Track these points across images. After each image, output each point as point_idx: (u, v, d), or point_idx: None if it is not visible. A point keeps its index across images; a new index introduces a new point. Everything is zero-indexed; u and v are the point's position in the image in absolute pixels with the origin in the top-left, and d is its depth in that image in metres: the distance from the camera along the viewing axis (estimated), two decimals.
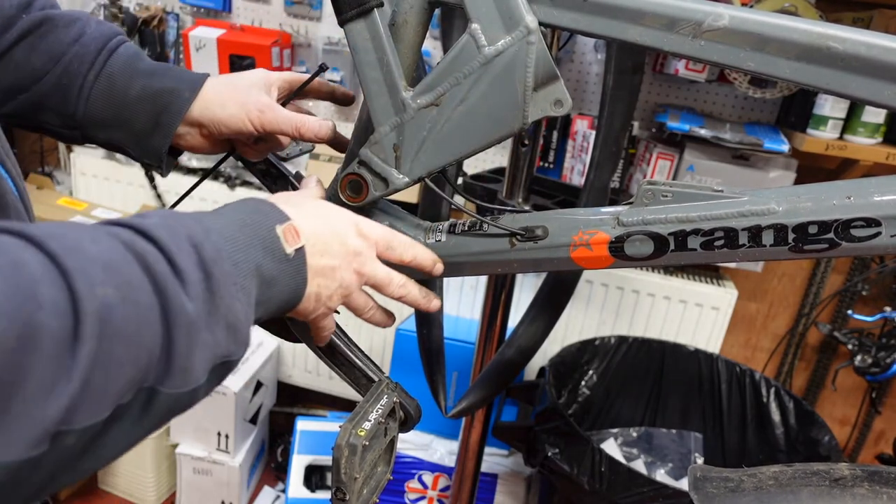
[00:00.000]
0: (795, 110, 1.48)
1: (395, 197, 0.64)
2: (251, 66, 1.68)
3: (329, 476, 1.81)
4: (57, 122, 0.62)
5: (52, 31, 0.60)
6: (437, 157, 0.60)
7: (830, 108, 1.38)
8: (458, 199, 1.38)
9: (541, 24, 0.54)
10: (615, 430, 1.67)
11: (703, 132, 1.43)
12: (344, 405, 2.07)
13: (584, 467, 1.19)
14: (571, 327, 1.74)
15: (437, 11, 0.64)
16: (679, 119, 1.47)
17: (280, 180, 0.71)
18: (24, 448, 0.28)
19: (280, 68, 1.71)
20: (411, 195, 1.62)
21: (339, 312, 0.58)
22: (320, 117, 0.65)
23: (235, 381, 1.74)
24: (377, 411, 0.58)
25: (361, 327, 1.86)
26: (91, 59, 0.61)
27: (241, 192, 1.81)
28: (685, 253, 0.55)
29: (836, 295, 1.72)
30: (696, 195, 0.55)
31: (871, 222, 0.49)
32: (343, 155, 0.70)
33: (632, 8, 0.52)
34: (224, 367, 0.41)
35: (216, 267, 0.39)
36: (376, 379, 0.64)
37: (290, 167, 0.73)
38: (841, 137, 1.40)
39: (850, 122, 1.39)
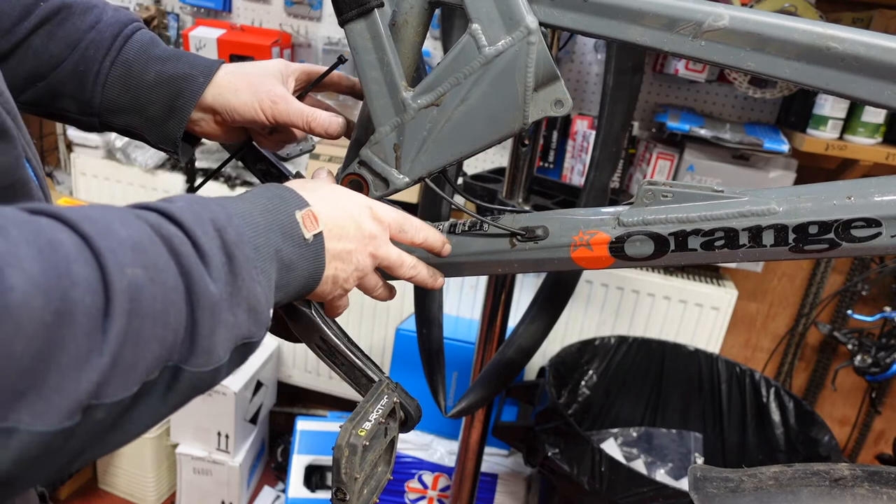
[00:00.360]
0: (795, 110, 1.48)
1: (395, 197, 0.64)
2: None
3: (329, 476, 1.81)
4: (74, 109, 0.62)
5: (69, 17, 0.61)
6: (438, 157, 0.60)
7: (830, 108, 1.38)
8: (459, 199, 1.38)
9: (541, 24, 0.54)
10: (615, 430, 1.67)
11: (703, 132, 1.43)
12: (344, 405, 2.07)
13: (584, 467, 1.19)
14: (571, 327, 1.74)
15: (437, 11, 0.64)
16: (679, 119, 1.47)
17: (280, 180, 0.71)
18: (59, 418, 0.29)
19: None
20: (411, 195, 1.62)
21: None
22: (332, 113, 0.66)
23: (235, 381, 1.74)
24: (377, 411, 0.58)
25: (361, 327, 1.87)
26: (107, 45, 0.61)
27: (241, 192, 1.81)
28: (685, 253, 0.55)
29: (836, 295, 1.72)
30: (696, 195, 0.55)
31: (871, 222, 0.49)
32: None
33: (632, 8, 0.52)
34: (245, 348, 0.42)
35: (238, 250, 0.41)
36: (376, 379, 0.64)
37: (291, 167, 0.73)
38: (841, 137, 1.40)
39: (850, 122, 1.39)
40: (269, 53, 1.65)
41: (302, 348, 2.00)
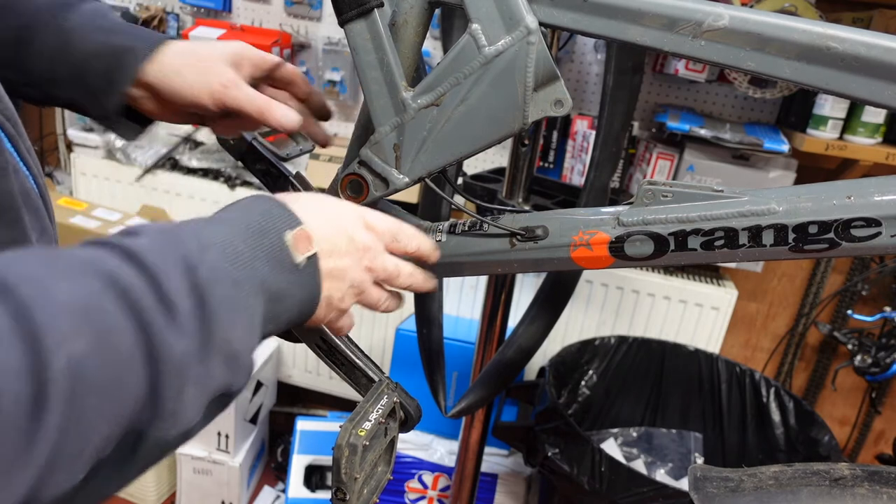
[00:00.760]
0: (795, 110, 1.48)
1: (395, 197, 0.64)
2: None
3: (329, 476, 1.81)
4: (20, 80, 0.59)
5: None
6: (438, 157, 0.60)
7: (830, 108, 1.38)
8: (458, 199, 1.38)
9: (541, 24, 0.54)
10: (615, 430, 1.67)
11: (703, 132, 1.43)
12: (344, 405, 2.07)
13: (584, 467, 1.19)
14: (571, 327, 1.74)
15: (437, 11, 0.64)
16: (679, 119, 1.47)
17: (280, 180, 0.71)
18: None
19: None
20: (411, 195, 1.62)
21: None
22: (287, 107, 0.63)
23: None
24: (377, 411, 0.58)
25: (361, 327, 1.87)
26: (49, 13, 0.58)
27: (241, 192, 1.81)
28: (685, 253, 0.55)
29: (836, 295, 1.72)
30: (696, 195, 0.55)
31: (871, 222, 0.49)
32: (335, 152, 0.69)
33: (632, 8, 0.52)
34: (223, 399, 0.39)
35: (213, 291, 0.36)
36: (376, 379, 0.64)
37: (290, 167, 0.73)
38: (841, 137, 1.40)
39: (850, 122, 1.39)
40: (269, 53, 1.65)
41: (302, 348, 1.99)
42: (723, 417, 1.60)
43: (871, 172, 1.42)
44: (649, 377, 1.65)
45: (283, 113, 0.61)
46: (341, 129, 1.84)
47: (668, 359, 1.63)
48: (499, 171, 1.40)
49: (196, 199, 1.85)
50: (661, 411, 1.67)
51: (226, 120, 0.65)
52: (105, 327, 0.30)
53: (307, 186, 0.68)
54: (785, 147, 1.41)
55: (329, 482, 1.79)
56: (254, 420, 1.88)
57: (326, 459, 1.78)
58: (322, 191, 0.68)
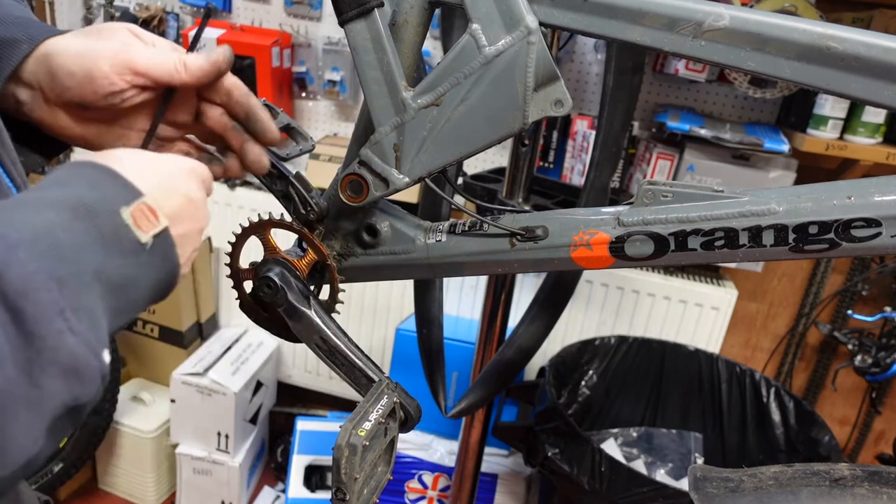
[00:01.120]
0: (795, 110, 1.48)
1: (395, 197, 0.64)
2: (251, 66, 1.68)
3: (329, 476, 1.81)
4: None
5: None
6: (438, 157, 0.60)
7: (830, 108, 1.38)
8: (458, 199, 1.38)
9: (541, 24, 0.54)
10: (615, 430, 1.67)
11: (703, 132, 1.43)
12: (344, 405, 2.07)
13: (584, 467, 1.19)
14: (571, 327, 1.74)
15: (437, 11, 0.64)
16: (679, 119, 1.47)
17: (280, 180, 0.71)
18: None
19: (280, 68, 1.71)
20: (411, 195, 1.62)
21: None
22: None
23: (235, 381, 1.74)
24: (377, 411, 0.58)
25: (361, 327, 1.87)
26: None
27: (241, 193, 1.81)
28: (685, 253, 0.55)
29: (836, 295, 1.72)
30: (696, 195, 0.55)
31: (871, 222, 0.49)
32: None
33: (632, 8, 0.52)
34: (73, 415, 0.33)
35: (29, 299, 0.30)
36: (376, 379, 0.64)
37: (290, 167, 0.73)
38: (841, 137, 1.40)
39: (850, 122, 1.39)
40: (269, 53, 1.65)
41: (302, 348, 2.00)
42: (723, 417, 1.60)
43: (871, 172, 1.42)
44: (649, 377, 1.65)
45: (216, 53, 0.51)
46: (341, 129, 1.84)
47: (668, 359, 1.63)
48: (499, 171, 1.40)
49: None
50: (661, 411, 1.67)
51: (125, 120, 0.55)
52: None
53: (307, 187, 0.67)
54: (785, 147, 1.41)
55: (329, 482, 1.79)
56: (254, 420, 1.88)
57: (326, 459, 1.78)
58: (322, 191, 0.69)
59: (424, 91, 0.58)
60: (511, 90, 0.55)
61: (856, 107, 1.38)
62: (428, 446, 1.72)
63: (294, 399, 2.12)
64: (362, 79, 0.59)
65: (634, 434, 1.67)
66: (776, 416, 1.52)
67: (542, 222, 0.60)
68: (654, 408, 1.67)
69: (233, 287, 0.69)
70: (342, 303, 0.69)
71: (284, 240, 0.68)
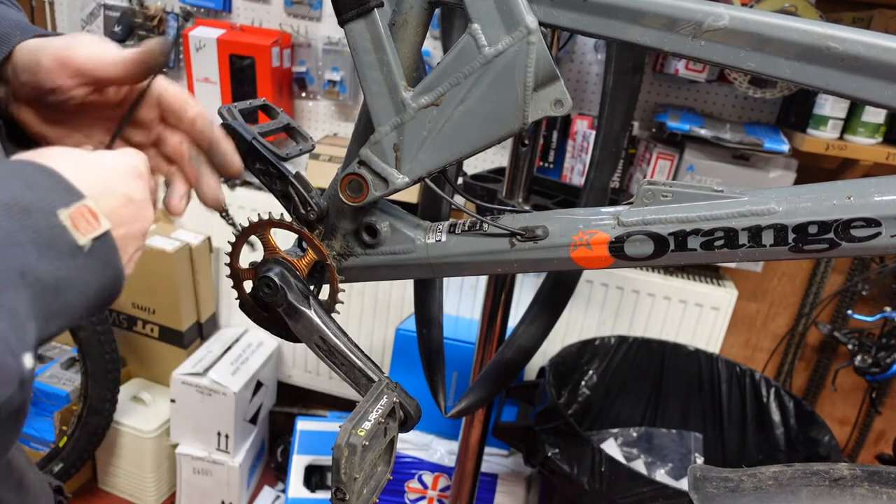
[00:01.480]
0: (795, 110, 1.48)
1: (395, 197, 0.64)
2: (251, 66, 1.68)
3: (329, 476, 1.81)
4: None
5: None
6: (437, 157, 0.60)
7: (830, 108, 1.38)
8: (458, 199, 1.38)
9: (541, 24, 0.54)
10: (615, 430, 1.67)
11: (703, 132, 1.43)
12: (344, 405, 2.07)
13: (584, 467, 1.19)
14: (571, 327, 1.74)
15: (437, 11, 0.64)
16: (679, 119, 1.47)
17: (280, 180, 0.71)
18: None
19: (280, 68, 1.71)
20: (411, 195, 1.62)
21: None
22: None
23: (235, 381, 1.74)
24: (377, 411, 0.58)
25: (361, 327, 1.87)
26: None
27: (241, 193, 1.81)
28: (685, 253, 0.55)
29: (836, 295, 1.72)
30: (696, 195, 0.55)
31: (871, 222, 0.49)
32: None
33: (632, 8, 0.52)
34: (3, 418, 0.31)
35: None
36: (376, 379, 0.64)
37: (290, 167, 0.73)
38: (841, 137, 1.40)
39: (850, 122, 1.39)
40: (269, 53, 1.65)
41: (302, 348, 2.00)
42: (723, 417, 1.60)
43: (871, 172, 1.42)
44: (649, 377, 1.65)
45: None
46: (341, 129, 1.84)
47: (668, 359, 1.63)
48: (499, 171, 1.40)
49: (196, 199, 1.85)
50: (661, 411, 1.67)
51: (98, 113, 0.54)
52: None
53: (307, 187, 0.67)
54: (785, 147, 1.41)
55: (329, 482, 1.79)
56: (254, 420, 1.88)
57: (326, 459, 1.78)
58: (322, 191, 0.69)
59: (424, 91, 0.58)
60: (511, 90, 0.55)
61: (856, 107, 1.38)
62: (428, 446, 1.72)
63: (294, 399, 2.12)
64: (362, 79, 0.59)
65: (634, 434, 1.67)
66: (776, 416, 1.52)
67: (542, 222, 0.60)
68: (654, 408, 1.67)
69: (233, 287, 0.69)
70: (342, 303, 0.69)
71: (284, 240, 0.68)
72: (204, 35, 1.68)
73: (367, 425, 0.56)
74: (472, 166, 1.68)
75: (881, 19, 1.34)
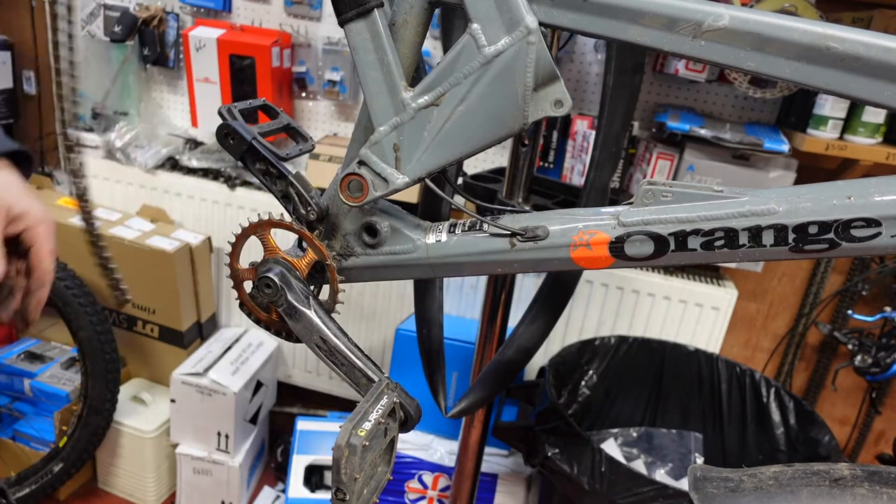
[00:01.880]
0: (795, 110, 1.48)
1: (395, 197, 0.64)
2: (251, 66, 1.68)
3: (329, 476, 1.81)
4: None
5: None
6: (437, 157, 0.60)
7: (830, 108, 1.38)
8: (458, 199, 1.38)
9: (541, 24, 0.54)
10: (615, 430, 1.67)
11: (703, 132, 1.43)
12: (344, 405, 2.07)
13: (584, 467, 1.19)
14: (571, 327, 1.74)
15: (437, 11, 0.64)
16: (679, 119, 1.47)
17: (280, 180, 0.71)
18: None
19: (280, 68, 1.71)
20: (411, 195, 1.62)
21: None
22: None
23: (235, 381, 1.74)
24: (377, 411, 0.58)
25: (361, 327, 1.87)
26: None
27: (241, 193, 1.81)
28: (685, 253, 0.55)
29: (836, 295, 1.72)
30: (696, 195, 0.54)
31: (871, 222, 0.49)
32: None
33: (632, 8, 0.52)
34: None
35: None
36: (376, 379, 0.64)
37: (290, 167, 0.73)
38: (841, 137, 1.40)
39: (850, 122, 1.39)
40: (269, 53, 1.65)
41: (302, 348, 2.00)
42: (723, 417, 1.60)
43: (871, 172, 1.42)
44: (649, 377, 1.65)
45: None
46: (341, 129, 1.84)
47: (668, 359, 1.63)
48: (499, 171, 1.40)
49: (196, 199, 1.85)
50: (661, 411, 1.67)
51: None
52: None
53: (307, 187, 0.67)
54: (785, 147, 1.41)
55: (329, 482, 1.79)
56: (254, 420, 1.88)
57: (326, 459, 1.78)
58: (322, 191, 0.69)
59: (424, 91, 0.58)
60: (511, 90, 0.55)
61: (856, 107, 1.38)
62: (428, 446, 1.72)
63: (294, 399, 2.12)
64: (362, 79, 0.59)
65: (634, 434, 1.67)
66: (776, 416, 1.52)
67: (542, 222, 0.60)
68: (654, 408, 1.67)
69: (233, 287, 0.69)
70: (342, 303, 0.69)
71: (284, 240, 0.68)
72: (204, 35, 1.68)
73: (367, 425, 0.56)
74: (472, 166, 1.68)
75: (881, 19, 1.34)
